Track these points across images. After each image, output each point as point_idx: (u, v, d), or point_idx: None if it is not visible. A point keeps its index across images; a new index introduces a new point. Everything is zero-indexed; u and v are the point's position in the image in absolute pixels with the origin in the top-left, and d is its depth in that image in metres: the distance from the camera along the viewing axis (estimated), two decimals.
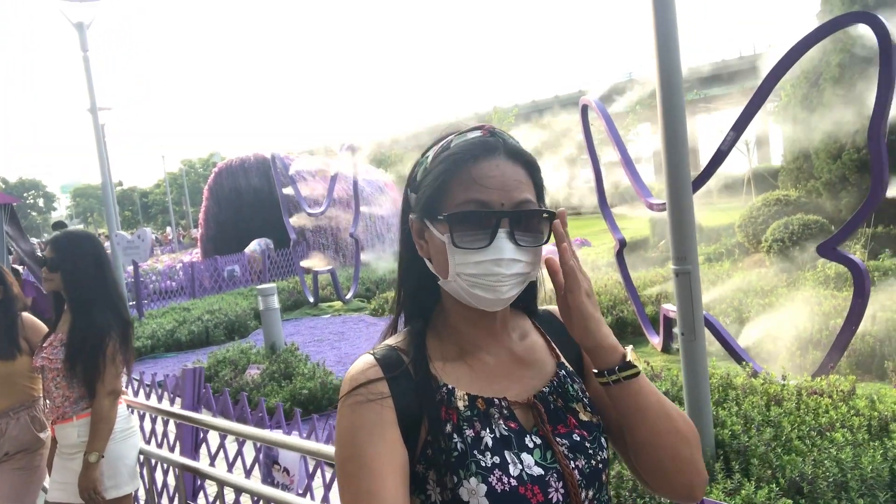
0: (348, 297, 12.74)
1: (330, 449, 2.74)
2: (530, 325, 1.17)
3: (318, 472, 3.10)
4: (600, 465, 1.05)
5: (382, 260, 17.36)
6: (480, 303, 1.02)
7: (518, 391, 1.06)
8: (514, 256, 0.99)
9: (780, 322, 6.22)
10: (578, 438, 1.04)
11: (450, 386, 1.04)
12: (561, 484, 0.99)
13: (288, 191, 14.01)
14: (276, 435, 3.06)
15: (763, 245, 10.16)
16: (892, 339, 5.46)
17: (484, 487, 0.95)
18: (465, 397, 1.03)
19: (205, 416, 3.40)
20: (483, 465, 0.96)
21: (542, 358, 1.13)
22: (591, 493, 1.03)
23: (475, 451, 0.98)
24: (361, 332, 10.07)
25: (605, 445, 1.08)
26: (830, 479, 2.98)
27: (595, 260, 11.64)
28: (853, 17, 4.84)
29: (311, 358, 7.57)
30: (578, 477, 1.01)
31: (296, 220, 14.57)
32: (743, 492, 2.93)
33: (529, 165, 1.06)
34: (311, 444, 2.83)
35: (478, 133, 1.06)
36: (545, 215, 1.03)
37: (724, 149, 5.45)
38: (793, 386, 4.14)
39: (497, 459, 0.97)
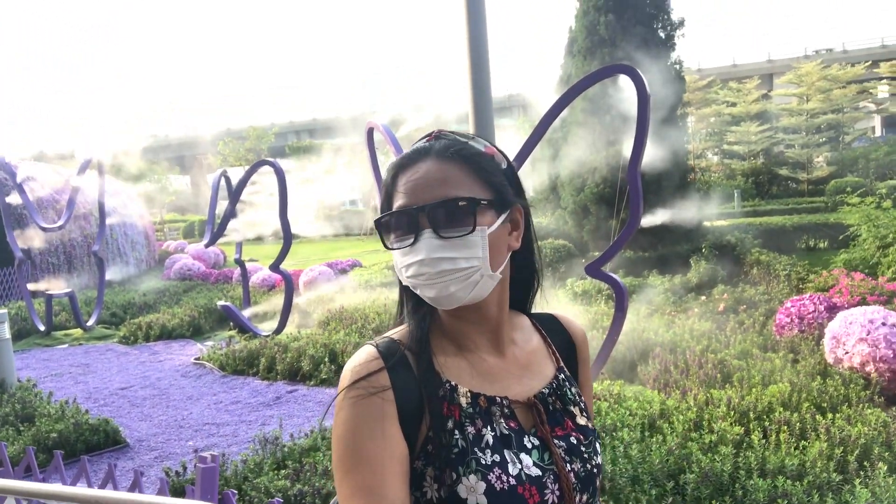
0: (90, 323, 11.22)
1: (130, 497, 2.34)
2: (530, 326, 1.18)
3: None
4: (594, 470, 1.07)
5: (130, 282, 15.65)
6: (433, 302, 1.02)
7: (518, 391, 1.07)
8: (439, 254, 0.98)
9: None
10: (575, 442, 1.06)
11: (452, 382, 1.03)
12: (557, 486, 1.00)
13: (12, 200, 11.97)
14: (61, 487, 2.53)
15: None
16: (637, 347, 6.31)
17: (483, 485, 0.94)
18: (468, 394, 1.02)
19: None
20: (483, 462, 0.96)
21: (543, 360, 1.14)
22: (584, 497, 1.04)
23: (476, 449, 0.97)
24: (112, 363, 8.90)
25: (600, 451, 1.10)
26: (626, 476, 3.32)
27: (369, 280, 11.74)
28: (617, 69, 5.56)
29: (54, 396, 6.49)
30: (574, 480, 1.02)
31: (20, 236, 12.47)
32: None
33: (467, 160, 1.02)
34: (118, 496, 2.41)
35: (423, 141, 1.07)
36: (462, 203, 0.98)
37: None
38: None
39: (497, 458, 0.97)
